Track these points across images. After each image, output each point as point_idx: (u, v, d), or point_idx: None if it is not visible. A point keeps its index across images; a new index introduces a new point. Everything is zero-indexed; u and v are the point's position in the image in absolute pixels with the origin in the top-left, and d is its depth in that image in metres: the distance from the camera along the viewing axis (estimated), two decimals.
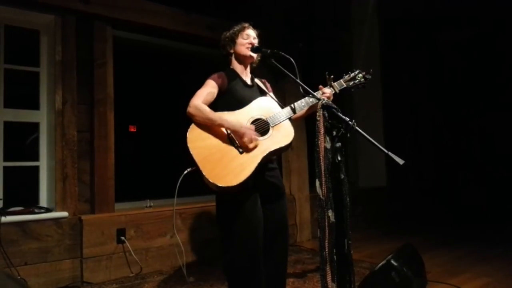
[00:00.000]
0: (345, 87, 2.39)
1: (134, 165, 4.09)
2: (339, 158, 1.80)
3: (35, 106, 3.40)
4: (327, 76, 2.22)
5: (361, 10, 5.93)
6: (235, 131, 2.08)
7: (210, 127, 2.13)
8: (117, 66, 3.60)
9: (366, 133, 1.78)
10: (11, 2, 3.14)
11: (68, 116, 3.30)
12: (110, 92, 3.51)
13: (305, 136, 4.77)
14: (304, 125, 4.68)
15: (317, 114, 1.88)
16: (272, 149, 2.12)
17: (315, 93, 2.19)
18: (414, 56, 6.41)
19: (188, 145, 2.06)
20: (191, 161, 2.05)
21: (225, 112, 2.17)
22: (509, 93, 5.93)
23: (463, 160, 6.55)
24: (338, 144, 1.82)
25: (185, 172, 2.16)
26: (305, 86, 2.10)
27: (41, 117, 3.40)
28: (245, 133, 2.07)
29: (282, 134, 2.17)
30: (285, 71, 2.18)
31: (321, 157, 1.84)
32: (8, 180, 3.23)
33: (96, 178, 3.38)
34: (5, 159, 3.24)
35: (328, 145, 1.83)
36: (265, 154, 2.09)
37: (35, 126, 3.40)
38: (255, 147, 2.10)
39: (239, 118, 2.16)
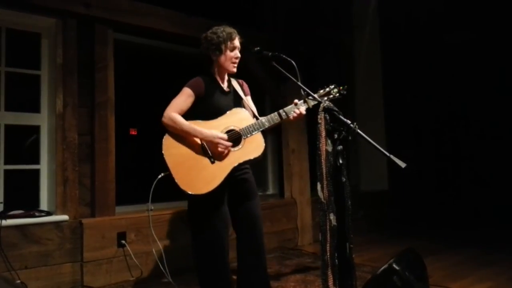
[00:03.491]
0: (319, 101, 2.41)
1: (134, 168, 4.08)
2: (340, 161, 1.80)
3: (36, 109, 3.39)
4: (302, 93, 2.23)
5: (362, 12, 5.92)
6: (209, 142, 2.18)
7: (184, 136, 2.23)
8: (118, 69, 3.60)
9: (368, 136, 1.77)
10: (13, 5, 3.15)
11: (69, 119, 3.30)
12: (111, 95, 3.51)
13: (306, 139, 4.75)
14: (305, 127, 4.67)
15: (319, 116, 1.87)
16: (242, 160, 2.23)
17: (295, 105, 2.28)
18: (416, 59, 6.40)
19: (162, 151, 2.19)
20: (165, 167, 2.17)
21: (200, 122, 2.25)
22: (511, 95, 5.92)
23: (466, 163, 6.52)
24: (340, 147, 1.81)
25: (159, 176, 2.30)
26: (306, 89, 2.10)
27: (42, 120, 3.39)
28: (218, 142, 2.17)
29: (253, 146, 2.26)
30: (287, 73, 2.19)
31: (322, 160, 1.84)
32: (8, 183, 3.21)
33: (97, 181, 3.37)
34: (6, 162, 3.23)
35: (330, 148, 1.83)
36: (235, 165, 2.21)
37: (36, 129, 3.39)
38: (227, 156, 2.20)
39: (213, 128, 2.23)
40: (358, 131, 1.76)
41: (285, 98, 4.19)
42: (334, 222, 1.79)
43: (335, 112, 1.83)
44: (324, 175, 1.83)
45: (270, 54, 2.29)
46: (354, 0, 5.91)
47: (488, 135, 6.23)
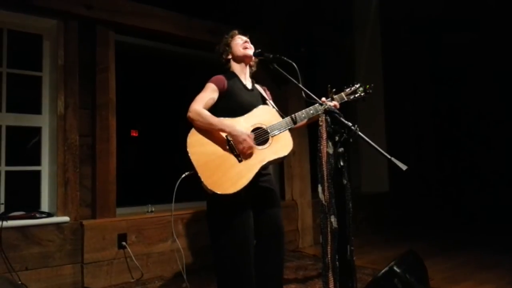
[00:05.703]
0: (345, 101, 2.43)
1: (135, 170, 4.08)
2: (341, 164, 1.80)
3: (37, 110, 3.40)
4: (329, 89, 2.24)
5: (363, 14, 5.93)
6: (234, 136, 2.08)
7: (210, 133, 2.13)
8: (119, 70, 3.60)
9: (369, 138, 1.77)
10: (15, 7, 3.15)
11: (70, 120, 3.30)
12: (112, 96, 3.51)
13: (307, 141, 4.75)
14: (306, 130, 4.66)
15: (320, 119, 1.87)
16: (271, 159, 2.15)
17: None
18: (417, 60, 6.40)
19: (187, 149, 2.07)
20: (190, 166, 2.06)
21: (227, 118, 2.17)
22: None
23: (466, 165, 6.52)
24: (341, 149, 1.81)
25: (183, 175, 2.15)
26: (307, 91, 2.10)
27: (43, 121, 3.40)
28: (244, 139, 2.07)
29: (281, 145, 2.19)
30: (288, 76, 2.18)
31: (323, 162, 1.83)
32: (9, 185, 3.21)
33: (98, 182, 3.37)
34: (7, 164, 3.24)
35: (331, 150, 1.83)
36: (263, 164, 2.12)
37: (37, 131, 3.39)
38: (252, 155, 2.11)
39: (240, 125, 2.16)
40: (359, 133, 1.76)
41: (286, 100, 4.19)
42: (335, 224, 1.79)
43: (336, 115, 1.83)
44: (325, 177, 1.82)
45: (271, 56, 2.28)
46: (355, 1, 5.92)
47: (490, 137, 6.23)
